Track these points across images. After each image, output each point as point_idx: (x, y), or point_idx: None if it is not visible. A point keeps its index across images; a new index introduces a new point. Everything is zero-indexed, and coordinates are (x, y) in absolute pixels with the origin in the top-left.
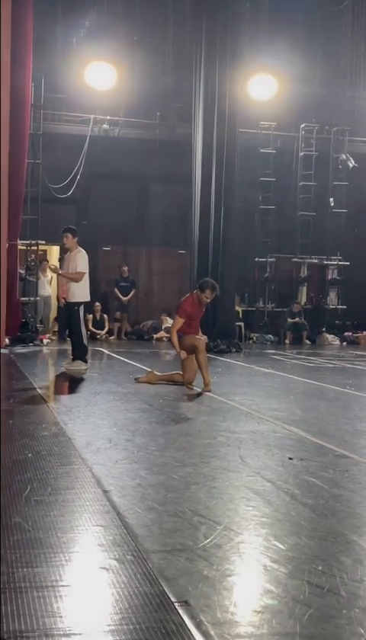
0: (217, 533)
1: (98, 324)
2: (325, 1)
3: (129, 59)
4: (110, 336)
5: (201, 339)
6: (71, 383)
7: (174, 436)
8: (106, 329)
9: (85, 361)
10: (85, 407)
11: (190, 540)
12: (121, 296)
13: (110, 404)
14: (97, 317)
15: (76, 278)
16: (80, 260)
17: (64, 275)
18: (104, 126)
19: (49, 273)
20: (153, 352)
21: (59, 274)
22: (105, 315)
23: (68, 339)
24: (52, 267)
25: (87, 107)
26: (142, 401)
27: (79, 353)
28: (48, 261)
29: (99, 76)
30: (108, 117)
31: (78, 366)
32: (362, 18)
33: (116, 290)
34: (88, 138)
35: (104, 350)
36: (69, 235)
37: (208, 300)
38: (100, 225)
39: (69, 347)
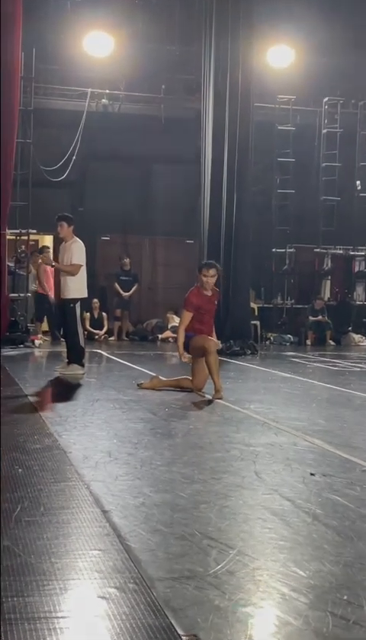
0: (230, 558)
1: (96, 324)
2: None
3: (130, 25)
4: (110, 336)
5: (212, 340)
6: (66, 390)
7: (182, 450)
8: (105, 329)
9: (82, 365)
10: (81, 416)
11: (199, 566)
12: (122, 292)
13: (110, 413)
14: (96, 315)
15: (72, 271)
16: (76, 251)
17: (58, 267)
18: (103, 100)
19: (33, 268)
20: (158, 354)
21: (52, 266)
22: (104, 313)
23: (62, 340)
24: (45, 257)
25: (83, 80)
26: (145, 410)
27: (75, 356)
28: (48, 248)
29: (97, 45)
30: (107, 91)
31: (74, 370)
32: None
33: (116, 285)
34: (84, 114)
35: (102, 352)
36: (64, 224)
37: (212, 282)
38: (98, 212)
39: (63, 349)
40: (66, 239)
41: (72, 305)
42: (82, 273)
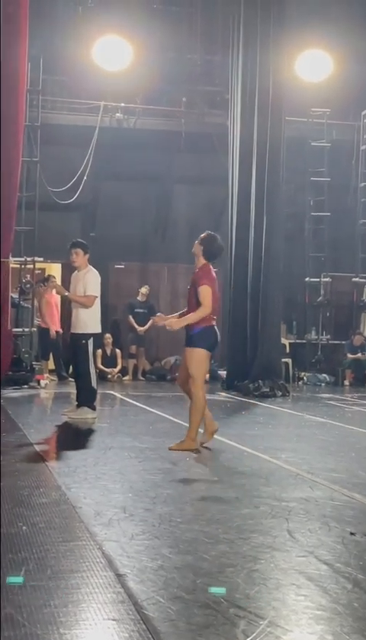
0: (260, 630)
1: (109, 362)
2: None
3: (147, 33)
4: (124, 376)
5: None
6: (75, 436)
7: (206, 505)
8: (119, 367)
9: (93, 408)
10: (92, 466)
11: (226, 638)
12: (137, 326)
13: (125, 462)
14: (108, 352)
15: (86, 303)
16: (91, 281)
17: (72, 298)
18: (117, 115)
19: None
20: (178, 396)
21: (64, 296)
22: (118, 350)
23: (71, 380)
24: (57, 286)
25: (95, 93)
26: (164, 459)
27: (86, 398)
28: (54, 278)
29: (111, 54)
30: (122, 104)
31: (85, 414)
32: None
33: (130, 318)
34: (96, 130)
35: (116, 393)
36: (81, 251)
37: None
38: (111, 238)
39: (72, 389)
40: (80, 268)
41: (84, 341)
42: (96, 306)
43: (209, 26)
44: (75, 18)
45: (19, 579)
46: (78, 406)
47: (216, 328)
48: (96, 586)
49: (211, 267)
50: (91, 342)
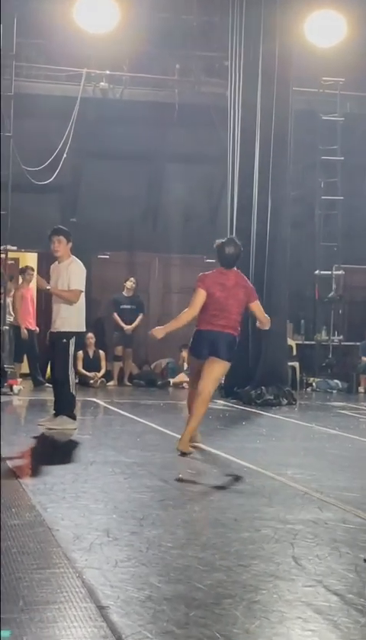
0: None
1: (92, 365)
2: None
3: None
4: (109, 381)
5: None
6: (52, 450)
7: (200, 528)
8: (102, 371)
9: (73, 417)
10: (72, 484)
11: None
12: (123, 324)
13: (108, 479)
14: (90, 354)
15: (70, 298)
16: (75, 274)
17: (55, 293)
18: (102, 84)
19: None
20: (170, 404)
21: (45, 290)
22: (101, 352)
23: (48, 385)
24: (38, 279)
25: (77, 58)
26: (153, 476)
27: (65, 406)
28: (32, 270)
29: (95, 14)
30: (107, 72)
31: (64, 424)
32: None
33: (116, 316)
34: (78, 101)
35: (99, 400)
36: (63, 240)
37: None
38: (95, 224)
39: (49, 396)
40: (62, 259)
41: (64, 340)
42: (81, 303)
43: None
44: None
45: (7, 633)
46: (56, 415)
47: (206, 332)
48: (75, 619)
49: (224, 270)
50: (72, 342)
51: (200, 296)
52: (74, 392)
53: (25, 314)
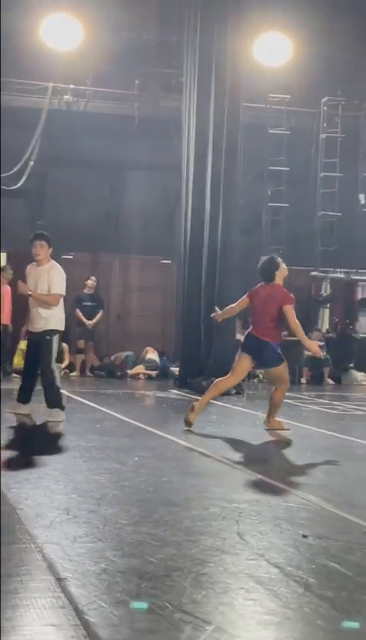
0: (206, 636)
1: (56, 357)
2: None
3: (99, 11)
4: (71, 372)
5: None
6: (17, 435)
7: (153, 506)
8: (66, 363)
9: (63, 408)
10: (34, 466)
11: None
12: (85, 320)
13: (69, 462)
14: None
15: (51, 302)
16: (56, 279)
17: (38, 298)
18: (66, 97)
19: None
20: (128, 393)
21: (28, 295)
22: (65, 345)
23: (14, 375)
24: (20, 285)
25: (44, 73)
26: (111, 459)
27: (55, 399)
28: (11, 270)
29: (60, 32)
30: (71, 86)
31: (58, 416)
32: None
33: (78, 312)
34: (44, 112)
35: (62, 390)
36: (45, 244)
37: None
38: (59, 227)
39: (11, 385)
40: (42, 262)
41: (48, 337)
42: (61, 304)
43: (165, 5)
44: None
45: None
46: (51, 407)
47: (249, 334)
48: (35, 590)
49: (264, 284)
50: (55, 339)
51: (242, 300)
52: (59, 385)
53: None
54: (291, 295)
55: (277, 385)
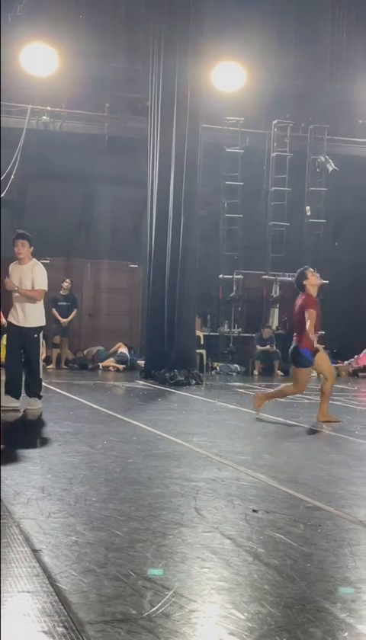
0: (165, 600)
1: None
2: None
3: (73, 41)
4: (48, 364)
5: (332, 368)
6: None
7: (119, 485)
8: (43, 356)
9: (40, 397)
10: (13, 449)
11: (133, 608)
12: (60, 318)
13: (45, 446)
14: None
15: (35, 297)
16: (39, 276)
17: (24, 293)
18: (44, 118)
19: None
20: (99, 384)
21: (15, 291)
22: (43, 341)
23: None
24: (7, 281)
25: (23, 96)
26: (82, 443)
27: (36, 390)
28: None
29: (38, 60)
30: (48, 108)
31: (36, 404)
32: (342, 1)
33: (54, 311)
34: (24, 131)
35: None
36: (27, 243)
37: (318, 283)
38: (38, 233)
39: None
40: (24, 261)
41: (36, 335)
42: (41, 300)
43: (131, 36)
44: (4, 25)
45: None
46: (31, 396)
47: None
48: (13, 560)
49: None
50: (41, 335)
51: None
52: (42, 376)
53: None
54: (314, 299)
55: (292, 384)
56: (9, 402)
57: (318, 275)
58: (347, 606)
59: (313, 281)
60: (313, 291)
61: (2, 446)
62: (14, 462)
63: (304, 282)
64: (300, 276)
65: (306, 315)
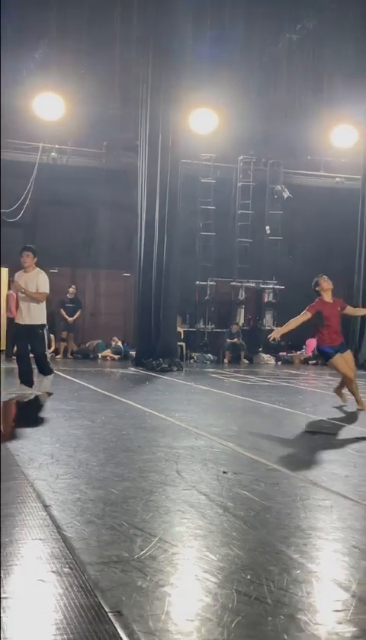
0: (152, 545)
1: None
2: (263, 44)
3: (77, 91)
4: (57, 355)
5: (350, 370)
6: (17, 403)
7: (115, 452)
8: (52, 348)
9: (52, 371)
10: (29, 425)
11: (126, 552)
12: (67, 317)
13: (54, 421)
14: None
15: (39, 298)
16: (42, 281)
17: (30, 294)
18: (53, 154)
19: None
20: (98, 370)
21: (22, 292)
22: (52, 335)
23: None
24: (16, 284)
25: (36, 136)
26: (84, 418)
27: (47, 369)
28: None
29: (48, 106)
30: (56, 146)
31: (48, 382)
32: (295, 61)
33: (62, 311)
34: (36, 165)
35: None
36: (31, 255)
37: (329, 288)
38: (47, 248)
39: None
40: (29, 269)
41: (40, 331)
42: (44, 302)
43: (124, 88)
44: (20, 78)
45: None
46: (46, 375)
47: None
48: (27, 514)
49: (321, 299)
50: (45, 331)
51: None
52: (49, 362)
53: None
54: (318, 303)
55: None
56: (25, 390)
57: (330, 281)
58: (299, 549)
59: (323, 286)
60: (325, 296)
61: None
62: (29, 434)
63: (317, 288)
64: (314, 285)
65: (302, 314)
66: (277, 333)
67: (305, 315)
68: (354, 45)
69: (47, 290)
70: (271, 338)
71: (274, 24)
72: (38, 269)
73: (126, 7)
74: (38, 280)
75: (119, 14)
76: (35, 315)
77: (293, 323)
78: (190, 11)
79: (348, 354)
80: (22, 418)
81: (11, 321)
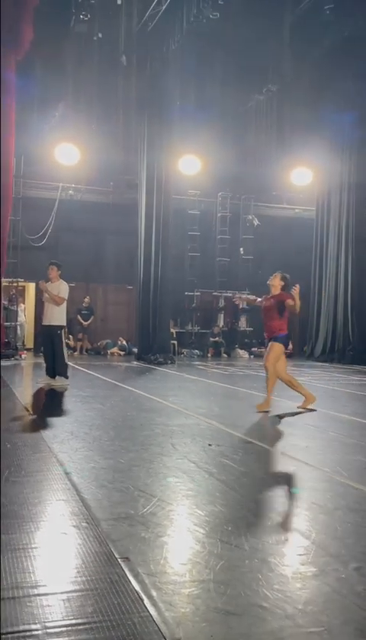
0: (153, 504)
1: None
2: (236, 102)
3: (89, 142)
4: (74, 352)
5: (271, 364)
6: (43, 391)
7: (122, 429)
8: (72, 344)
9: (67, 377)
10: (52, 408)
11: (132, 509)
12: (82, 321)
13: (72, 404)
14: None
15: (58, 301)
16: (63, 289)
17: (49, 294)
18: (70, 192)
19: (22, 304)
20: (107, 364)
21: (45, 290)
22: (71, 336)
23: (45, 358)
24: (43, 283)
25: (57, 177)
26: (97, 403)
27: (62, 371)
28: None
29: (66, 154)
30: (73, 185)
31: (62, 382)
32: (263, 115)
33: (78, 317)
34: (57, 201)
35: (69, 363)
36: (55, 268)
37: (271, 284)
38: (66, 267)
39: (42, 360)
40: (53, 280)
41: (59, 331)
42: (64, 306)
43: (127, 138)
44: (44, 131)
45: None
46: (58, 376)
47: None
48: (52, 480)
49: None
50: (63, 332)
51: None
52: (67, 361)
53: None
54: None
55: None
56: (48, 380)
57: (272, 277)
58: (270, 506)
59: (274, 282)
60: (273, 290)
61: (32, 414)
62: (53, 415)
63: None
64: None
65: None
66: (239, 299)
67: (256, 300)
68: (309, 104)
69: (65, 297)
70: (235, 300)
71: (245, 87)
72: (61, 280)
73: (127, 77)
74: (60, 288)
75: (122, 82)
76: (56, 317)
77: (251, 300)
78: (178, 78)
79: (270, 345)
80: (47, 402)
81: (38, 324)
